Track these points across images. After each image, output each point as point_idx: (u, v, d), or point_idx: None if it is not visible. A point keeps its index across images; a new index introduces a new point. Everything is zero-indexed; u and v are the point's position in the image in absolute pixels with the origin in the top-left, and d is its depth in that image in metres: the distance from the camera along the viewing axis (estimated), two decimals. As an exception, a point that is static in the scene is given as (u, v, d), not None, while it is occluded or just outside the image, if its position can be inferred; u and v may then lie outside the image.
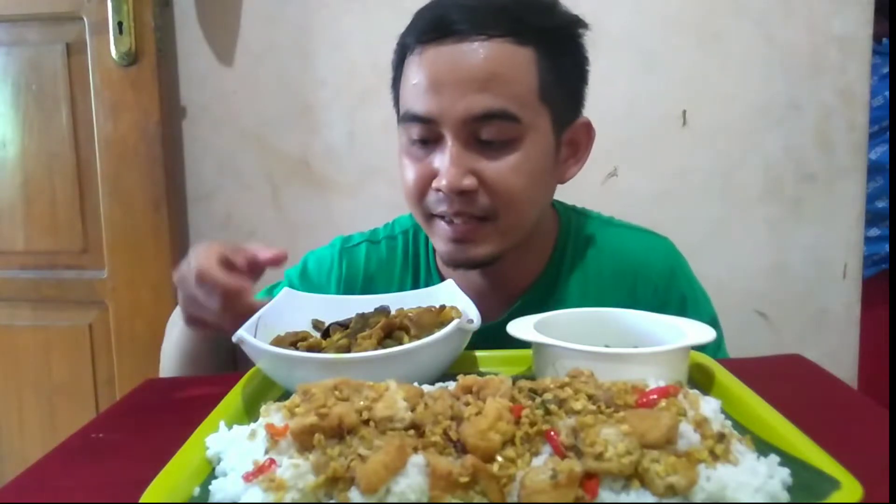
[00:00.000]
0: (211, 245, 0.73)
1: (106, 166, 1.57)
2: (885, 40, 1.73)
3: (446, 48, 0.76)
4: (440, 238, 0.83)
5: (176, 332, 0.87)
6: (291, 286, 0.94)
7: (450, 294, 0.75)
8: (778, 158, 1.52)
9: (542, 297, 0.90)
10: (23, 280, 1.66)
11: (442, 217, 0.81)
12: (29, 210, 1.63)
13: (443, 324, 0.66)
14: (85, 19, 1.54)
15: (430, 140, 0.80)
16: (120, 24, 1.50)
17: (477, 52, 0.75)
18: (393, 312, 0.71)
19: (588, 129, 0.87)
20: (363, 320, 0.69)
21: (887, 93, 1.74)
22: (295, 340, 0.66)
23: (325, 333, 0.71)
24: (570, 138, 0.85)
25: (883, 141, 1.76)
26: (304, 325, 0.72)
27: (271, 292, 0.94)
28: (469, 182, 0.77)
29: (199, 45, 1.61)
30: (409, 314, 0.68)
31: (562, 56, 0.80)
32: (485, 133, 0.77)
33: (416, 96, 0.78)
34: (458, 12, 0.76)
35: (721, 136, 1.53)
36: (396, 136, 0.91)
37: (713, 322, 0.91)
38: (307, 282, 0.96)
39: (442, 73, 0.76)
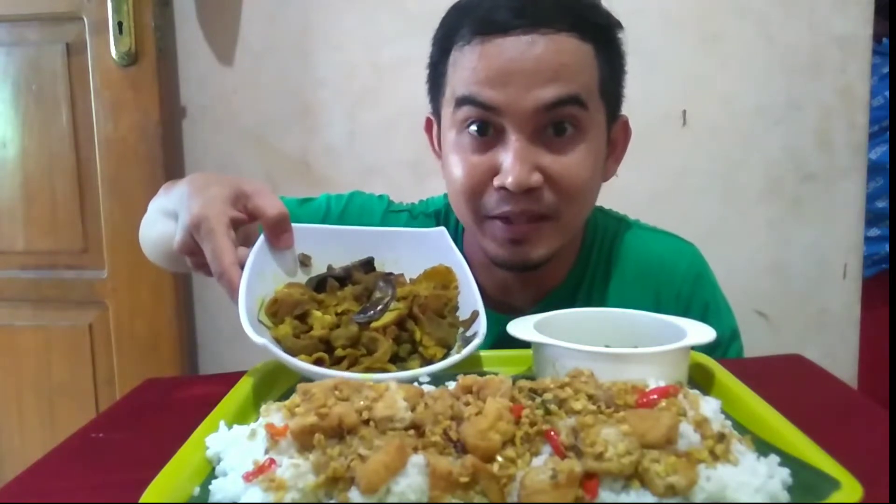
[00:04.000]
0: (216, 203, 0.65)
1: (106, 166, 1.57)
2: (885, 40, 1.73)
3: (511, 39, 0.73)
4: (494, 239, 0.79)
5: (170, 225, 0.75)
6: (329, 212, 0.93)
7: (442, 244, 0.74)
8: (778, 158, 1.52)
9: (568, 297, 0.88)
10: (23, 280, 1.66)
11: (497, 217, 0.77)
12: (29, 210, 1.63)
13: (448, 304, 0.67)
14: (85, 19, 1.54)
15: (488, 133, 0.76)
16: (120, 24, 1.50)
17: (545, 45, 0.73)
18: (380, 268, 0.71)
19: (626, 127, 0.87)
20: (348, 272, 0.70)
21: (887, 93, 1.74)
22: (298, 314, 0.65)
23: (320, 286, 0.69)
24: (612, 136, 0.84)
25: (883, 141, 1.76)
26: (289, 259, 0.70)
27: (302, 204, 0.94)
28: (536, 179, 0.74)
29: (199, 45, 1.61)
30: (419, 301, 0.67)
31: (614, 53, 0.80)
32: (554, 123, 0.75)
33: (477, 83, 0.74)
34: (520, 5, 0.74)
35: (721, 136, 1.53)
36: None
37: (734, 335, 0.90)
38: (343, 221, 0.93)
39: (509, 64, 0.73)
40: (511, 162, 0.73)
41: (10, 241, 1.65)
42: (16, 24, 1.59)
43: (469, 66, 0.75)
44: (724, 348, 0.87)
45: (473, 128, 0.76)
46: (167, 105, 1.57)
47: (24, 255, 1.65)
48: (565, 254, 0.87)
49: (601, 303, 0.88)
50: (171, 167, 1.59)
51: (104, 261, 1.60)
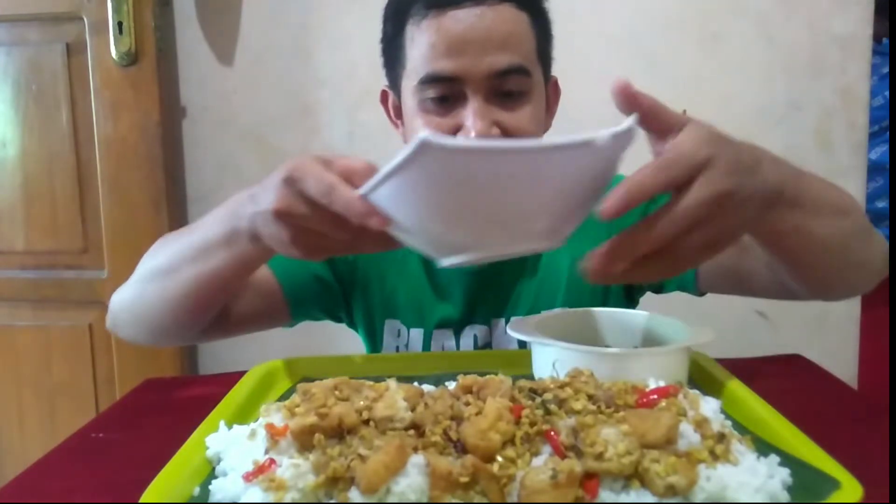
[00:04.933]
0: (305, 157, 0.59)
1: (106, 166, 1.57)
2: (885, 40, 1.73)
3: (464, 11, 0.81)
4: None
5: (216, 260, 0.70)
6: None
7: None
8: (778, 158, 1.52)
9: None
10: (23, 280, 1.66)
11: None
12: (29, 210, 1.63)
13: None
14: (85, 19, 1.54)
15: (450, 98, 0.83)
16: (120, 24, 1.50)
17: (492, 16, 0.81)
18: None
19: (557, 87, 0.95)
20: None
21: (887, 93, 1.74)
22: None
23: None
24: (547, 94, 0.91)
25: (883, 141, 1.76)
26: None
27: None
28: (495, 132, 0.82)
29: (199, 45, 1.61)
30: None
31: (544, 20, 0.88)
32: (505, 87, 0.82)
33: (435, 58, 0.82)
34: None
35: (721, 136, 1.52)
36: (389, 104, 0.95)
37: None
38: None
39: (465, 33, 0.81)
40: (473, 119, 0.81)
41: (10, 241, 1.65)
42: (16, 24, 1.59)
43: (428, 41, 0.82)
44: None
45: (435, 95, 0.83)
46: (167, 105, 1.57)
47: (24, 255, 1.65)
48: None
49: (563, 249, 0.91)
50: (171, 167, 1.59)
51: (104, 261, 1.60)
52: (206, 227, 0.71)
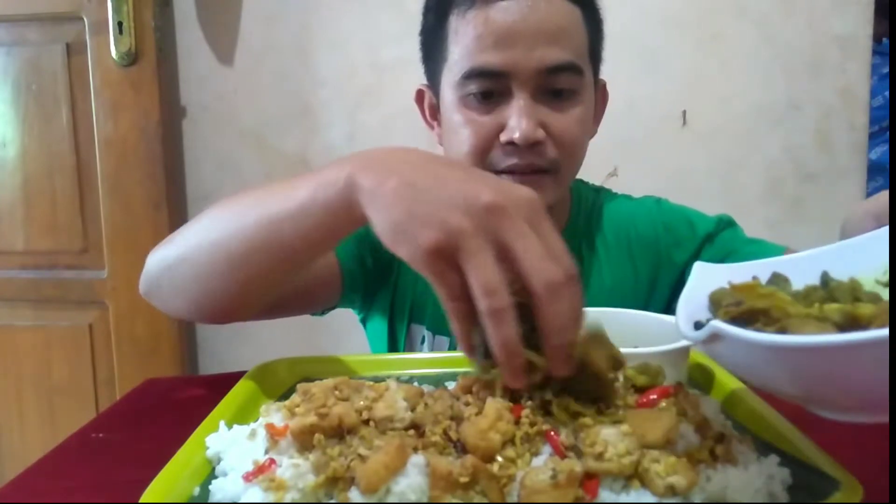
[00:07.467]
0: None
1: (106, 166, 1.57)
2: (885, 40, 1.73)
3: (513, 2, 0.77)
4: None
5: (306, 226, 0.56)
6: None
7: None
8: (778, 158, 1.52)
9: None
10: (23, 280, 1.66)
11: (504, 172, 0.80)
12: (29, 210, 1.63)
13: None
14: (85, 19, 1.54)
15: (493, 94, 0.79)
16: (120, 24, 1.51)
17: (544, 8, 0.77)
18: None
19: (605, 90, 0.92)
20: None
21: (887, 93, 1.74)
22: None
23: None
24: (595, 97, 0.88)
25: (883, 141, 1.75)
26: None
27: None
28: (541, 133, 0.78)
29: (199, 45, 1.61)
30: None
31: (596, 17, 0.85)
32: (554, 85, 0.79)
33: (481, 51, 0.77)
34: None
35: (721, 136, 1.53)
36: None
37: (726, 224, 0.92)
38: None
39: (514, 25, 0.77)
40: (517, 118, 0.77)
41: (10, 241, 1.65)
42: (16, 24, 1.59)
43: (473, 33, 0.78)
44: (718, 236, 0.90)
45: (478, 90, 0.79)
46: (167, 105, 1.57)
47: (24, 255, 1.66)
48: (556, 215, 0.90)
49: (589, 267, 0.91)
50: (171, 167, 1.59)
51: (104, 261, 1.60)
52: (296, 190, 0.57)
